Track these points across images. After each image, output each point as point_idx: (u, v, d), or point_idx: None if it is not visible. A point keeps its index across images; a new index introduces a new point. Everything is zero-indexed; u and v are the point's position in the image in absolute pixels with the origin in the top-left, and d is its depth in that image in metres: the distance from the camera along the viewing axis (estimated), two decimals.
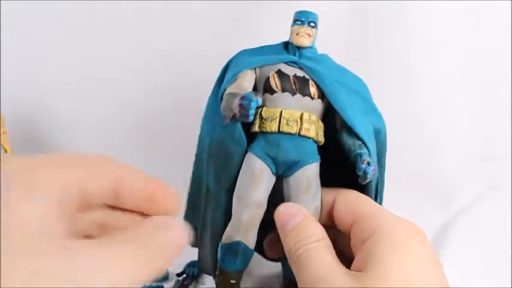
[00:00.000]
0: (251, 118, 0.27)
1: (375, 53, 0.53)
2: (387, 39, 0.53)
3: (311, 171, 0.29)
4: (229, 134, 0.29)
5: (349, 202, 0.28)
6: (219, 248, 0.30)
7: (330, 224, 0.29)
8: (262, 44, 0.33)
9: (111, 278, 0.18)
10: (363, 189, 0.31)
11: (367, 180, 0.28)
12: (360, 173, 0.28)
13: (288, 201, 0.29)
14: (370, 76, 0.55)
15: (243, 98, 0.27)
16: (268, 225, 0.30)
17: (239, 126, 0.29)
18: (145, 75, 0.52)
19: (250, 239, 0.29)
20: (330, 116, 0.31)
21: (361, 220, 0.26)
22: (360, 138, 0.29)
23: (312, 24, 0.31)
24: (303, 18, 0.30)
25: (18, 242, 0.17)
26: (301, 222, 0.27)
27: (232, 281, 0.29)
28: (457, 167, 0.55)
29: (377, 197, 0.32)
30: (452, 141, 0.55)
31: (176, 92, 0.52)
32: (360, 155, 0.28)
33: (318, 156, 0.30)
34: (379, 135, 0.32)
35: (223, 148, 0.30)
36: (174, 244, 0.21)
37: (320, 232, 0.26)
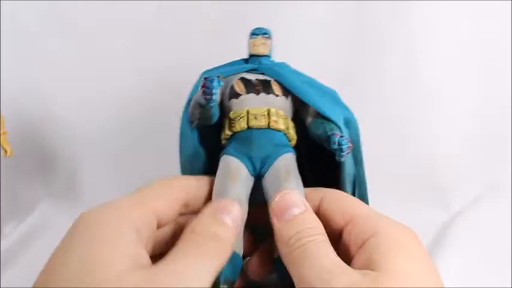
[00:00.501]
0: (215, 97, 0.27)
1: (374, 52, 0.53)
2: (387, 39, 0.53)
3: (287, 159, 0.29)
4: (189, 151, 0.31)
5: (340, 202, 0.27)
6: None
7: None
8: None
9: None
10: (339, 185, 0.30)
11: (345, 153, 0.27)
12: (335, 146, 0.27)
13: (268, 196, 0.28)
14: (370, 76, 0.55)
15: (206, 78, 0.27)
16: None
17: (195, 139, 0.30)
18: (146, 75, 0.52)
19: (235, 243, 0.28)
20: (300, 124, 0.31)
21: (357, 220, 0.25)
22: (330, 122, 0.29)
23: (266, 35, 0.32)
24: (257, 32, 0.32)
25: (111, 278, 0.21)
26: (304, 213, 0.26)
27: None
28: (457, 167, 0.55)
29: (354, 194, 0.33)
30: (452, 141, 0.55)
31: (179, 93, 0.52)
32: (332, 131, 0.28)
33: (292, 149, 0.30)
34: (350, 123, 0.32)
35: (191, 166, 0.31)
36: (234, 226, 0.25)
37: (321, 226, 0.25)
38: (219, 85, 0.27)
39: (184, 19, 0.51)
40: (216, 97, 0.27)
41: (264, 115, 0.29)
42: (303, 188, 0.29)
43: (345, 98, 0.54)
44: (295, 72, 0.33)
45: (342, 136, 0.27)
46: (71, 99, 0.53)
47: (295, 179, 0.28)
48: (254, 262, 0.30)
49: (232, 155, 0.29)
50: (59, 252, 0.22)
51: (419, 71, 0.54)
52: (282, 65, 0.33)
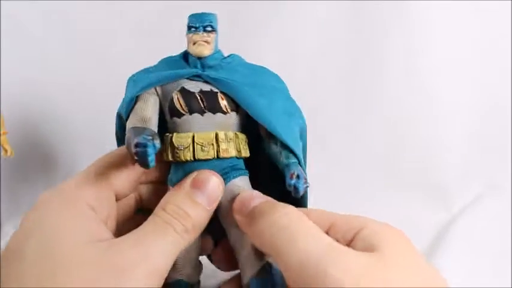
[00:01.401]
0: (152, 165, 0.23)
1: (374, 52, 0.53)
2: (387, 39, 0.53)
3: (240, 181, 0.27)
4: None
5: (311, 216, 0.26)
6: None
7: None
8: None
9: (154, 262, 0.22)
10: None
11: (300, 195, 0.25)
12: (290, 189, 0.25)
13: (228, 223, 0.27)
14: (369, 76, 0.55)
15: (137, 145, 0.23)
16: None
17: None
18: None
19: (190, 274, 0.28)
20: (252, 122, 0.28)
21: (340, 222, 0.24)
22: (286, 146, 0.26)
23: (209, 28, 0.27)
24: (197, 24, 0.27)
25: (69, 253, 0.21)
26: (268, 200, 0.25)
27: None
28: (457, 167, 0.55)
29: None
30: (452, 141, 0.55)
31: None
32: (288, 166, 0.26)
33: (245, 171, 0.28)
34: (303, 134, 0.29)
35: None
36: (207, 205, 0.25)
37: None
38: (155, 151, 0.23)
39: (184, 19, 0.51)
40: (153, 163, 0.23)
41: (212, 144, 0.26)
42: None
43: (345, 98, 0.54)
44: (243, 69, 0.29)
45: (298, 176, 0.25)
46: (71, 99, 0.53)
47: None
48: (218, 254, 0.29)
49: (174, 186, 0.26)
50: (18, 234, 0.23)
51: (420, 71, 0.54)
52: (232, 61, 0.28)
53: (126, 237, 0.23)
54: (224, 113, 0.27)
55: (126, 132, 0.25)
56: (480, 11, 0.52)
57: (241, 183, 0.27)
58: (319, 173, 0.54)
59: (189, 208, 0.24)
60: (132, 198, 0.29)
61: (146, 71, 0.29)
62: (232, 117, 0.27)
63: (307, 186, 0.25)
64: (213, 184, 0.25)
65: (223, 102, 0.27)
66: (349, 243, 0.23)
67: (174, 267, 0.26)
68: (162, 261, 0.22)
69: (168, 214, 0.24)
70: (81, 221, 0.23)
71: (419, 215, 0.52)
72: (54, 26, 0.51)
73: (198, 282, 0.29)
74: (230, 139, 0.27)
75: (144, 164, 0.23)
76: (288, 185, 0.25)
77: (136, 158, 0.23)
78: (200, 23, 0.27)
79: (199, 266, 0.29)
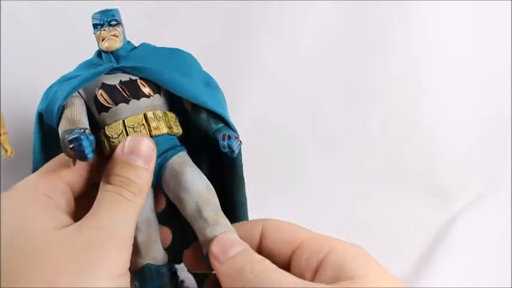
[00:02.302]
0: (90, 156, 0.24)
1: (374, 52, 0.53)
2: (387, 40, 0.53)
3: (178, 158, 0.27)
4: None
5: (282, 231, 0.26)
6: (134, 281, 0.28)
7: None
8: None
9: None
10: (233, 166, 0.30)
11: (236, 154, 0.26)
12: (225, 150, 0.26)
13: (177, 196, 0.27)
14: (369, 76, 0.55)
15: (71, 141, 0.24)
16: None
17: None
18: None
19: (157, 256, 0.28)
20: (176, 101, 0.29)
21: (305, 244, 0.25)
22: (213, 114, 0.28)
23: (114, 22, 0.28)
24: (101, 21, 0.28)
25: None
26: (246, 249, 0.25)
27: None
28: (457, 167, 0.55)
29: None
30: (452, 141, 0.55)
31: None
32: (218, 130, 0.27)
33: (181, 147, 0.28)
34: (217, 90, 0.31)
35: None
36: (146, 164, 0.25)
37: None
38: (89, 142, 0.24)
39: (185, 19, 0.51)
40: (92, 154, 0.24)
41: (143, 124, 0.27)
42: (205, 177, 0.27)
43: (345, 98, 0.54)
44: (157, 54, 0.30)
45: (229, 136, 0.26)
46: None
47: (191, 168, 0.27)
48: (188, 256, 0.29)
49: None
50: None
51: (420, 71, 0.54)
52: (143, 48, 0.30)
53: (87, 219, 0.23)
54: (148, 96, 0.28)
55: (60, 137, 0.26)
56: (480, 10, 0.52)
57: (181, 159, 0.28)
58: (319, 173, 0.54)
59: (131, 174, 0.25)
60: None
61: (64, 78, 0.29)
62: (157, 99, 0.28)
63: (240, 144, 0.26)
64: (145, 144, 0.26)
65: (145, 89, 0.28)
66: (315, 270, 0.23)
67: (139, 254, 0.27)
68: (125, 233, 0.23)
69: (113, 185, 0.25)
70: (43, 209, 0.24)
71: (419, 215, 0.52)
72: (54, 26, 0.51)
73: (170, 267, 0.29)
74: (159, 117, 0.27)
75: (83, 156, 0.24)
76: (223, 147, 0.26)
77: (74, 153, 0.24)
78: (104, 19, 0.28)
79: (162, 250, 0.29)
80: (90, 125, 0.27)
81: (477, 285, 0.39)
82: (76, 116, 0.27)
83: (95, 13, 0.29)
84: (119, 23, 0.28)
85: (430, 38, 0.53)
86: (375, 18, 0.52)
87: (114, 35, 0.28)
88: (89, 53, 0.55)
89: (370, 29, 0.52)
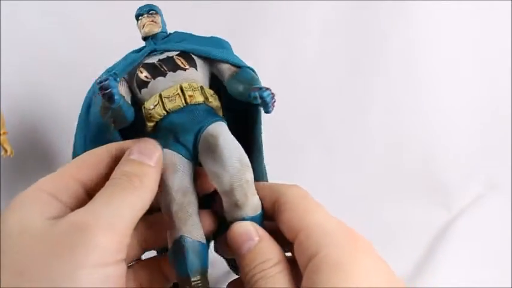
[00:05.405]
0: (117, 97, 0.25)
1: (374, 53, 0.53)
2: (387, 39, 0.53)
3: (215, 128, 0.27)
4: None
5: (293, 210, 0.26)
6: (169, 256, 0.27)
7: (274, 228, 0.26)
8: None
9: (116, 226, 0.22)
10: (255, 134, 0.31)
11: (270, 106, 0.26)
12: (257, 101, 0.26)
13: (210, 169, 0.26)
14: (369, 77, 0.55)
15: (100, 83, 0.25)
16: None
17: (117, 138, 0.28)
18: None
19: (193, 231, 0.27)
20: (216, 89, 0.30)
21: (304, 233, 0.24)
22: (248, 82, 0.28)
23: (152, 11, 0.31)
24: (141, 11, 0.31)
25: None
26: (257, 244, 0.25)
27: (196, 283, 0.26)
28: (457, 167, 0.55)
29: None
30: (453, 141, 0.55)
31: None
32: (251, 85, 0.27)
33: (220, 117, 0.28)
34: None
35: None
36: (154, 164, 0.25)
37: (277, 255, 0.25)
38: (117, 81, 0.25)
39: (185, 19, 0.51)
40: (119, 96, 0.25)
41: (178, 94, 0.27)
42: (240, 149, 0.27)
43: (345, 99, 0.54)
44: (195, 37, 0.32)
45: (260, 88, 0.26)
46: (71, 100, 0.53)
47: (227, 141, 0.26)
48: (222, 241, 0.29)
49: (163, 147, 0.27)
50: None
51: (420, 71, 0.54)
52: (176, 34, 0.32)
53: (86, 207, 0.23)
54: (184, 69, 0.29)
55: (100, 108, 0.27)
56: (480, 10, 0.52)
57: (216, 129, 0.27)
58: (319, 173, 0.55)
59: (134, 168, 0.25)
60: None
61: (111, 68, 0.31)
62: (193, 73, 0.29)
63: (273, 96, 0.26)
64: (150, 144, 0.26)
65: (180, 61, 0.29)
66: (304, 269, 0.23)
67: (173, 226, 0.26)
68: (117, 219, 0.23)
69: (115, 178, 0.25)
70: (38, 206, 0.24)
71: (419, 215, 0.52)
72: (54, 26, 0.51)
73: (205, 269, 0.27)
74: (195, 88, 0.28)
75: (110, 95, 0.24)
76: (254, 97, 0.26)
77: (103, 92, 0.25)
78: (144, 11, 0.31)
79: (199, 227, 0.28)
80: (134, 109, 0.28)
81: (477, 285, 0.39)
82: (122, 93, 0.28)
83: (138, 8, 0.31)
84: (157, 12, 0.31)
85: (430, 38, 0.53)
86: (375, 18, 0.52)
87: (152, 21, 0.30)
88: (89, 52, 0.55)
89: (371, 29, 0.52)
